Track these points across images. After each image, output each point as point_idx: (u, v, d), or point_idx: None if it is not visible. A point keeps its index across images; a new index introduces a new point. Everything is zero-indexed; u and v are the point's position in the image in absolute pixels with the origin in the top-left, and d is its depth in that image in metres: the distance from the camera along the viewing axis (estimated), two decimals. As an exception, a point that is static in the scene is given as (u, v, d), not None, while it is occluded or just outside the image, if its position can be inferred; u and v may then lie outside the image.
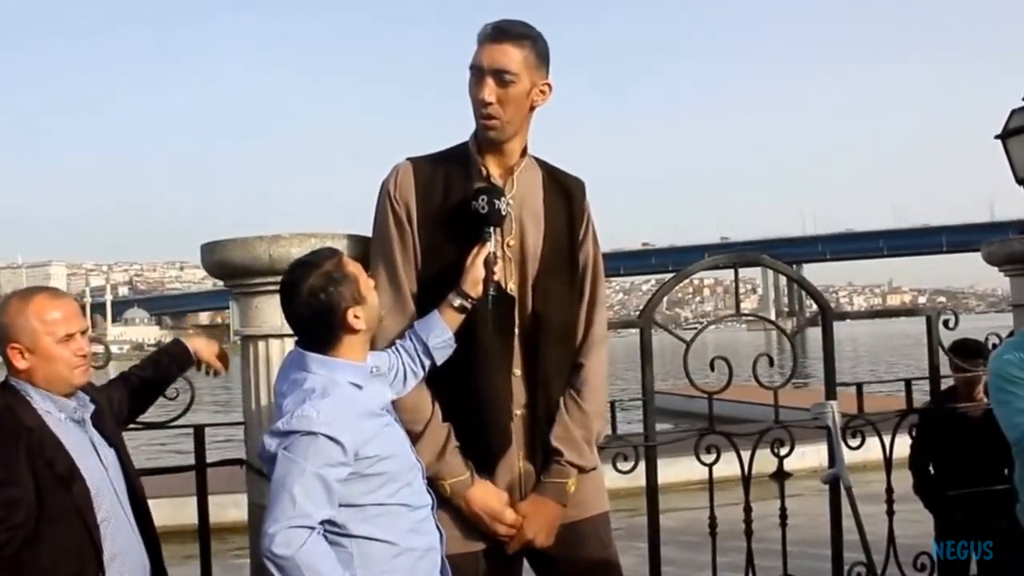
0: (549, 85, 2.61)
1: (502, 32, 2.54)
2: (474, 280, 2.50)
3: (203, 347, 3.06)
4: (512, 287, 2.60)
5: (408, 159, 2.68)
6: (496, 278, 2.53)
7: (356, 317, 2.24)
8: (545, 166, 2.75)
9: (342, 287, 2.23)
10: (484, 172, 2.62)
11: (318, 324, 2.23)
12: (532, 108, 2.61)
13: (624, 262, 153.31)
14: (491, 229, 2.53)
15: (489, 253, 2.52)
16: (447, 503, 2.50)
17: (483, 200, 2.50)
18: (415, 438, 2.47)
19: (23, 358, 2.41)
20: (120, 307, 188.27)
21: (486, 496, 2.55)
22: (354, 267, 2.30)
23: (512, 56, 2.52)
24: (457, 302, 2.50)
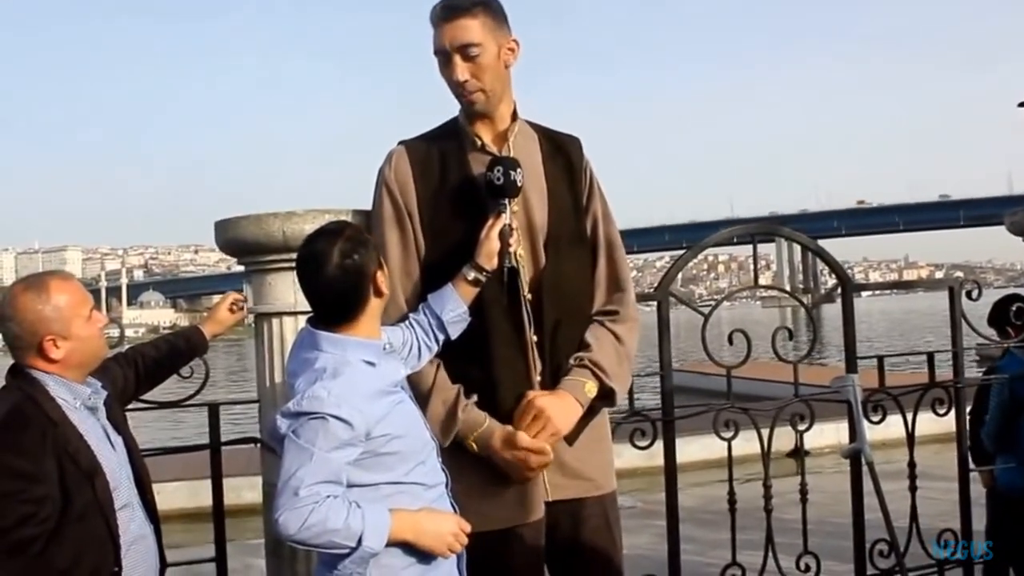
0: (516, 42, 2.60)
1: (452, 8, 2.52)
2: (489, 253, 2.48)
3: (220, 320, 3.01)
4: (521, 254, 2.57)
5: (401, 142, 2.67)
6: (511, 250, 2.50)
7: (382, 280, 2.23)
8: (540, 128, 2.73)
9: (370, 249, 2.22)
10: (478, 142, 2.61)
11: (349, 289, 2.19)
12: (507, 68, 2.60)
13: (637, 239, 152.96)
14: (507, 201, 2.50)
15: (504, 225, 2.49)
16: (462, 479, 2.44)
17: (499, 171, 2.47)
18: (422, 402, 2.45)
19: (57, 347, 2.38)
20: (135, 290, 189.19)
21: (511, 440, 2.48)
22: (369, 235, 2.30)
23: (470, 28, 2.51)
24: (472, 275, 2.47)
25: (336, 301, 2.21)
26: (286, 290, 2.89)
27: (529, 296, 2.56)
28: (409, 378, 2.44)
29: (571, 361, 2.57)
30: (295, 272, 2.30)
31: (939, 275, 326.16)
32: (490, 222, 2.50)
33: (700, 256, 3.91)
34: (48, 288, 2.39)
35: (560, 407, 2.50)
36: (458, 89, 2.55)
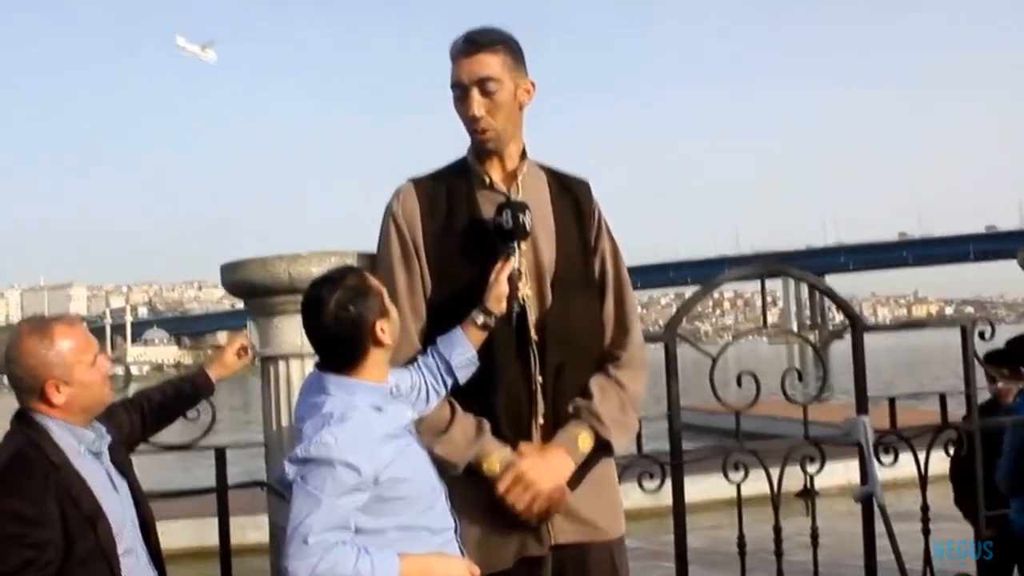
0: (532, 83, 2.62)
1: (474, 43, 2.54)
2: (498, 297, 2.47)
3: (226, 364, 2.98)
4: (528, 294, 2.56)
5: (409, 179, 2.67)
6: (520, 294, 2.50)
7: (382, 330, 2.22)
8: (548, 169, 2.74)
9: (368, 300, 2.21)
10: (487, 180, 2.61)
11: (345, 339, 2.20)
12: (521, 109, 2.61)
13: (642, 276, 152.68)
14: (515, 244, 2.50)
15: (513, 269, 2.49)
16: (470, 524, 2.43)
17: (508, 214, 2.47)
18: (442, 434, 2.45)
19: (59, 392, 2.37)
20: (140, 328, 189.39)
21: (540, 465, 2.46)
22: (376, 282, 2.29)
23: (490, 63, 2.52)
24: (480, 319, 2.46)
25: (334, 349, 2.23)
26: (292, 332, 2.88)
27: (535, 337, 2.55)
28: (425, 416, 2.44)
29: (569, 410, 2.55)
30: (301, 315, 2.30)
31: (949, 310, 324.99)
32: (499, 266, 2.49)
33: (710, 292, 3.89)
34: (52, 333, 2.39)
35: (545, 468, 2.47)
36: (472, 124, 2.56)
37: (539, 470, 2.46)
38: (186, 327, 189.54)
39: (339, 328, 2.19)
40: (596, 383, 2.60)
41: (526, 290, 2.55)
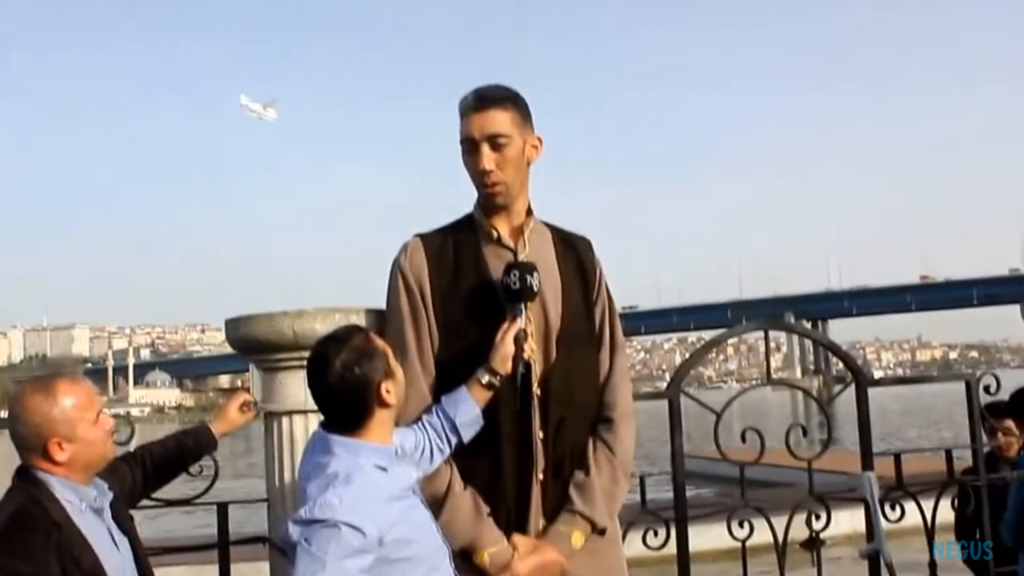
0: (540, 139, 2.65)
1: (485, 99, 2.57)
2: (504, 357, 2.47)
3: (230, 420, 2.99)
4: (533, 348, 2.58)
5: (416, 235, 2.69)
6: (526, 355, 2.51)
7: (388, 391, 2.22)
8: (552, 227, 2.77)
9: (374, 361, 2.22)
10: (494, 235, 2.63)
11: (350, 400, 2.21)
12: (528, 164, 2.64)
13: (645, 321, 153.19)
14: (523, 305, 2.52)
15: (519, 330, 2.50)
16: None
17: (515, 275, 2.49)
18: (438, 507, 2.45)
19: (62, 450, 2.38)
20: (142, 370, 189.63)
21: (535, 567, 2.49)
22: (381, 342, 2.29)
23: (500, 120, 2.55)
24: (486, 379, 2.47)
25: (340, 409, 2.23)
26: (296, 388, 2.88)
27: (538, 392, 2.56)
28: (425, 478, 2.44)
29: (571, 490, 2.58)
30: (305, 370, 2.31)
31: (953, 355, 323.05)
32: (505, 326, 2.50)
33: (709, 336, 3.88)
34: (56, 390, 2.40)
35: (540, 570, 2.51)
36: (482, 178, 2.58)
37: (529, 569, 2.49)
38: (189, 370, 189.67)
39: (344, 389, 2.19)
40: (592, 456, 2.63)
41: (531, 348, 2.56)
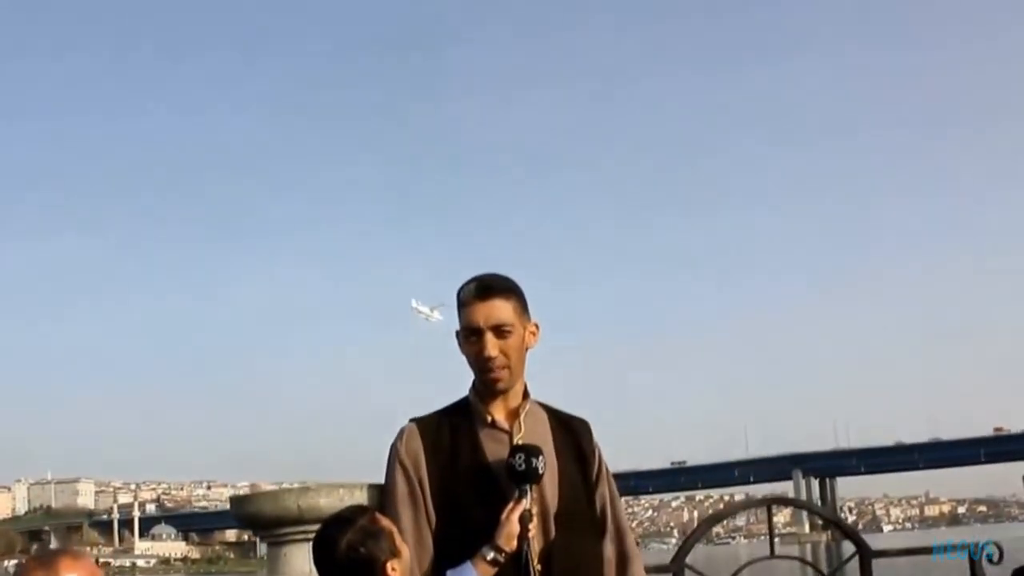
0: (537, 326, 2.72)
1: (489, 289, 2.64)
2: (509, 535, 2.49)
3: None
4: (532, 532, 2.58)
5: (412, 420, 2.74)
6: (531, 535, 2.53)
7: (393, 569, 2.27)
8: (548, 408, 2.80)
9: (380, 541, 2.27)
10: (489, 419, 2.67)
11: None
12: (527, 350, 2.71)
13: (653, 481, 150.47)
14: (528, 487, 2.54)
15: (525, 510, 2.52)
16: None
17: (520, 458, 2.53)
18: None
19: None
20: (147, 523, 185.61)
21: None
22: (387, 522, 2.36)
23: (504, 309, 2.62)
24: (491, 555, 2.48)
25: None
26: (302, 561, 2.89)
27: (538, 567, 2.57)
28: None
29: None
30: (310, 544, 2.39)
31: (961, 510, 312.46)
32: (511, 506, 2.52)
33: (716, 495, 4.26)
34: (58, 567, 2.32)
35: None
36: (486, 364, 2.62)
37: None
38: (194, 524, 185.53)
39: (350, 569, 2.24)
40: None
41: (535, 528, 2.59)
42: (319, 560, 2.30)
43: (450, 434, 2.68)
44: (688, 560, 3.55)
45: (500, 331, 2.61)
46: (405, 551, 2.36)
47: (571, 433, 2.78)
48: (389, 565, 2.27)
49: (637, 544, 2.88)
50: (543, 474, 2.55)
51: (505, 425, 2.67)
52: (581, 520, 2.68)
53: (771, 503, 3.88)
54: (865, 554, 3.74)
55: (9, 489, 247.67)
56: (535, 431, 2.69)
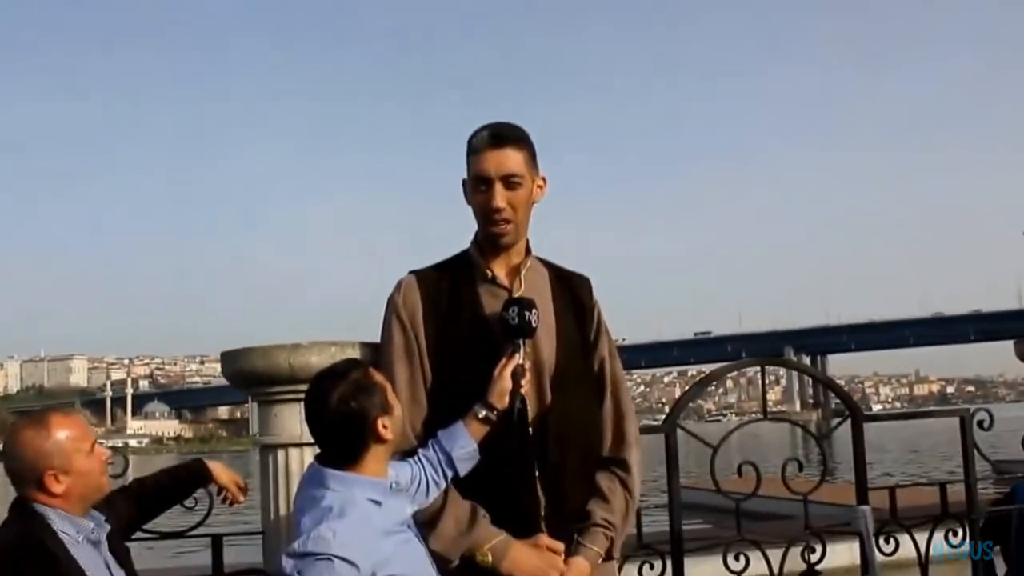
0: (544, 179, 2.65)
1: (502, 138, 2.56)
2: (501, 392, 2.46)
3: (223, 472, 3.00)
4: (527, 390, 2.54)
5: (411, 272, 2.68)
6: (523, 390, 2.48)
7: (384, 427, 2.23)
8: (550, 265, 2.75)
9: (372, 396, 2.22)
10: (489, 275, 2.62)
11: (347, 434, 2.21)
12: (533, 204, 2.64)
13: (645, 355, 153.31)
14: (521, 341, 2.49)
15: (517, 365, 2.48)
16: None
17: (513, 311, 2.47)
18: (436, 518, 2.43)
19: (58, 482, 2.39)
20: (141, 400, 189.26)
21: (532, 557, 2.46)
22: (380, 377, 2.30)
23: (516, 159, 2.55)
24: (482, 413, 2.46)
25: (336, 443, 2.23)
26: (292, 421, 2.89)
27: (533, 433, 2.54)
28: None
29: (596, 517, 2.57)
30: (302, 403, 2.32)
31: (950, 389, 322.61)
32: (503, 361, 2.48)
33: (708, 370, 3.91)
34: (49, 424, 2.41)
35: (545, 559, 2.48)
36: (492, 216, 2.55)
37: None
38: (187, 400, 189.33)
39: (341, 423, 2.20)
40: (607, 485, 2.63)
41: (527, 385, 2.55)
42: (309, 414, 2.26)
43: (449, 289, 2.62)
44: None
45: (509, 182, 2.54)
46: (397, 408, 2.30)
47: (571, 290, 2.72)
48: (380, 422, 2.22)
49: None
50: (536, 327, 2.50)
51: (505, 282, 2.62)
52: (578, 378, 2.63)
53: (764, 363, 3.75)
54: (857, 417, 3.72)
55: (2, 367, 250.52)
56: (535, 288, 2.63)
